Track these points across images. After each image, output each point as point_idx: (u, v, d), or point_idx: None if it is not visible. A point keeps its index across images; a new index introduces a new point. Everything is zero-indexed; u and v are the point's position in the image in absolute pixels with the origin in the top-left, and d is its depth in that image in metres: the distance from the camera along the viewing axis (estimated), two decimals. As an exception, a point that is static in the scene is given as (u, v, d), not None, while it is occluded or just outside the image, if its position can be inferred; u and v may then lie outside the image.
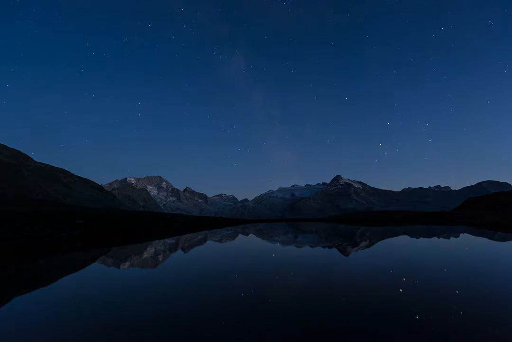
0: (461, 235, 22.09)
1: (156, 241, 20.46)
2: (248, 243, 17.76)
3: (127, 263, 10.27)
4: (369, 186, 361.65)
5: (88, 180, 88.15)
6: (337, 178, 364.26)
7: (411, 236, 20.93)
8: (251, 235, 24.89)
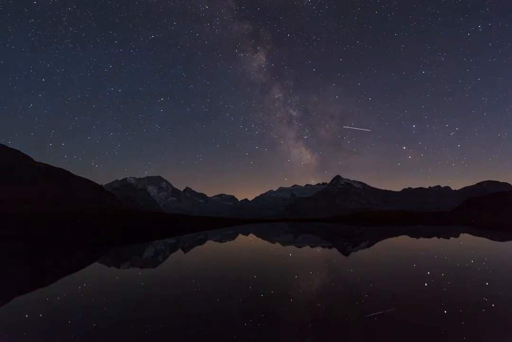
0: (461, 235, 22.08)
1: (156, 241, 20.45)
2: (248, 243, 17.74)
3: (127, 263, 10.27)
4: (369, 186, 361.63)
5: (88, 179, 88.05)
6: (337, 178, 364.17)
7: (411, 236, 20.92)
8: (251, 235, 24.87)
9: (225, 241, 19.43)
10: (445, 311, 4.38)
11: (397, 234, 23.41)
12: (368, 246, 14.76)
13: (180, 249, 14.94)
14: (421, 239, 19.17)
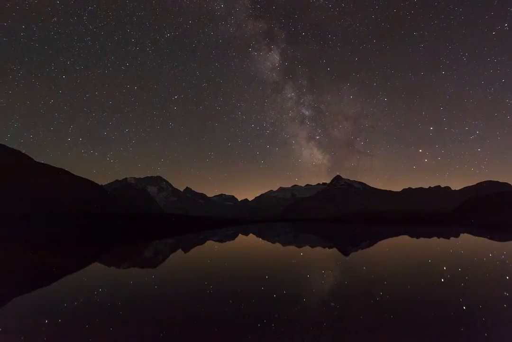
0: (461, 235, 22.08)
1: (157, 241, 20.46)
2: (248, 244, 17.74)
3: (127, 263, 10.28)
4: (369, 186, 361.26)
5: (88, 179, 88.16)
6: (337, 178, 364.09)
7: (411, 236, 20.92)
8: (251, 235, 24.88)
9: (226, 241, 19.43)
10: (451, 311, 4.38)
11: (397, 234, 23.42)
12: (368, 246, 14.76)
13: (180, 249, 14.94)
14: (421, 239, 19.16)
